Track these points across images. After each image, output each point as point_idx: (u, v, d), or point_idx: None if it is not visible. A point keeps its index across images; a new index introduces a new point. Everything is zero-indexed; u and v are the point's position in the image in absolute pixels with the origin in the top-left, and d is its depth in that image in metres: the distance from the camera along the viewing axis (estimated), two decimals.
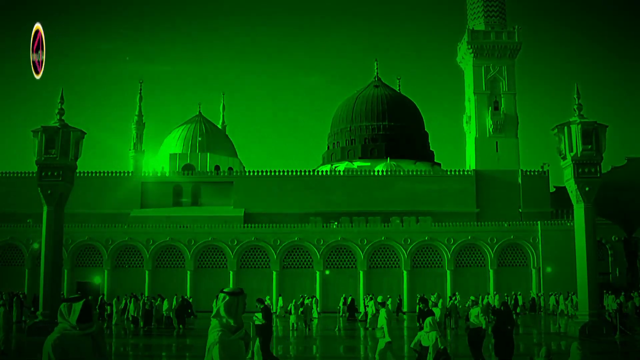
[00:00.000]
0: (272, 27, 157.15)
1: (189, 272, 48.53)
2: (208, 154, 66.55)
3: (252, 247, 49.50)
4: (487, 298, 40.80)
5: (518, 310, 42.76)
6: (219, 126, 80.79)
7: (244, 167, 67.44)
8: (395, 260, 49.65)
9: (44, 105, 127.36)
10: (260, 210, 54.68)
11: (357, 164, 68.22)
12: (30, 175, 47.65)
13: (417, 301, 20.38)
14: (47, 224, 26.87)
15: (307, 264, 49.43)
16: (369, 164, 66.57)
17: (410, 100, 75.83)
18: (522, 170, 58.65)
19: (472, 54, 60.25)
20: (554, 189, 58.32)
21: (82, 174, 49.86)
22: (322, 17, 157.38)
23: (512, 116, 59.54)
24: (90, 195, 53.13)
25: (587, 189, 26.43)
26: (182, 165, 65.42)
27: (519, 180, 58.16)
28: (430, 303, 27.80)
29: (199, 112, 73.12)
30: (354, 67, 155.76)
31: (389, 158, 65.16)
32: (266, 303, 24.11)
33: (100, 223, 49.57)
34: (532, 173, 58.80)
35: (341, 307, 41.73)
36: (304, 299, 33.81)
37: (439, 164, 71.71)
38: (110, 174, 57.66)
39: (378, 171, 59.95)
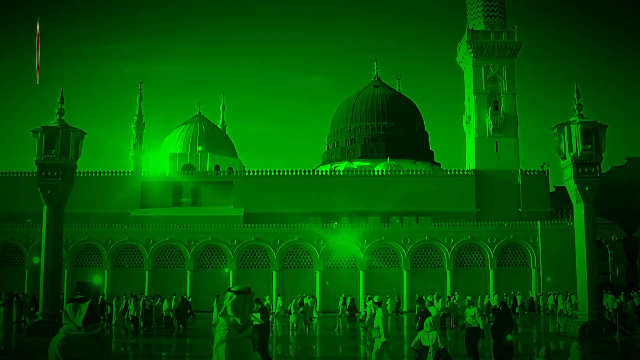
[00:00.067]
0: (272, 28, 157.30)
1: (188, 272, 48.54)
2: (208, 154, 66.57)
3: (252, 247, 49.52)
4: (487, 298, 40.82)
5: (517, 310, 42.76)
6: (219, 126, 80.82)
7: (244, 167, 67.44)
8: (395, 260, 49.66)
9: (44, 105, 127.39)
10: (260, 210, 54.66)
11: (357, 164, 68.24)
12: (30, 175, 47.65)
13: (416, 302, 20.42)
14: (47, 224, 26.88)
15: (307, 264, 49.45)
16: (368, 164, 66.59)
17: (410, 100, 75.86)
18: (522, 170, 58.64)
19: (472, 54, 60.26)
20: (554, 189, 58.33)
21: (82, 174, 49.86)
22: (322, 17, 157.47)
23: (511, 116, 59.54)
24: (90, 195, 53.10)
25: (587, 188, 26.44)
26: (182, 165, 65.44)
27: (519, 180, 58.16)
28: (426, 303, 27.84)
29: (199, 112, 73.16)
30: (354, 67, 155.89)
31: (388, 158, 65.17)
32: (265, 303, 24.16)
33: (100, 223, 49.54)
34: (531, 173, 58.80)
35: (340, 307, 41.73)
36: (303, 299, 33.83)
37: (439, 164, 71.74)
38: (110, 174, 57.65)
39: (378, 171, 59.96)
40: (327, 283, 47.37)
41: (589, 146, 26.58)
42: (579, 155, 26.52)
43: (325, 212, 52.73)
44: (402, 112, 72.56)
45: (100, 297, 37.71)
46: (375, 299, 17.43)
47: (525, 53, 79.38)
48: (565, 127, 26.93)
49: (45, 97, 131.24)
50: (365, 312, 34.09)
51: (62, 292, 37.68)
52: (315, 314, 36.65)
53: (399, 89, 78.75)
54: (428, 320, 13.49)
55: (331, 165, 70.03)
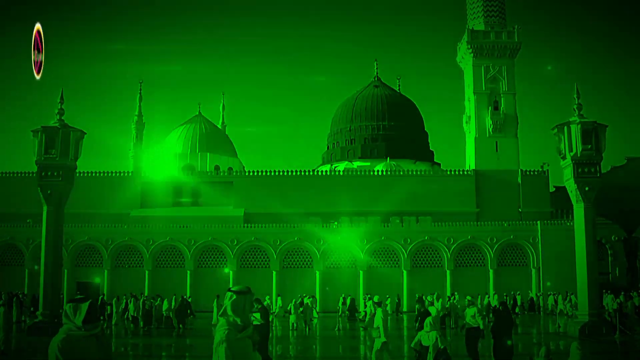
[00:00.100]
0: (272, 27, 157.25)
1: (188, 272, 48.54)
2: (208, 154, 66.58)
3: (252, 247, 49.52)
4: (487, 298, 40.80)
5: (517, 310, 42.75)
6: (219, 126, 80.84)
7: (244, 167, 67.46)
8: (395, 260, 49.65)
9: (44, 105, 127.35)
10: (260, 210, 54.65)
11: (357, 163, 68.25)
12: (30, 175, 47.61)
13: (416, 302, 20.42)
14: (47, 224, 26.88)
15: (307, 264, 49.44)
16: (368, 163, 66.60)
17: (410, 100, 75.87)
18: (521, 170, 58.64)
19: (472, 54, 60.26)
20: (554, 189, 58.32)
21: (82, 174, 49.83)
22: (322, 17, 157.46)
23: (511, 116, 59.53)
24: (90, 195, 53.08)
25: (587, 188, 26.45)
26: (182, 165, 65.45)
27: (519, 180, 58.17)
28: (426, 303, 27.83)
29: (199, 112, 73.17)
30: (354, 67, 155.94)
31: (388, 158, 65.17)
32: (265, 303, 24.14)
33: (100, 223, 49.53)
34: (531, 173, 58.80)
35: (340, 307, 41.71)
36: (302, 299, 33.81)
37: (439, 164, 71.76)
38: (110, 174, 57.67)
39: (378, 171, 59.96)
40: (327, 289, 46.88)
41: (589, 146, 26.59)
42: (579, 155, 26.53)
43: (325, 212, 52.71)
44: (402, 112, 72.56)
45: (100, 297, 37.71)
46: (375, 299, 17.44)
47: (525, 53, 79.40)
48: (565, 127, 26.94)
49: (45, 97, 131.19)
50: (365, 312, 34.09)
51: (62, 292, 37.70)
52: (315, 314, 36.65)
53: (399, 89, 78.76)
54: (428, 320, 13.48)
55: (331, 165, 70.04)
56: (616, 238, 52.76)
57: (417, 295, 36.31)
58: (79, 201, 45.47)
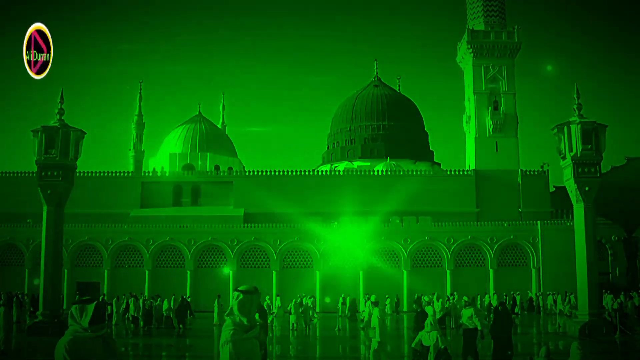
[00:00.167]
0: (272, 27, 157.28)
1: (188, 272, 48.53)
2: (208, 154, 66.57)
3: (252, 247, 49.51)
4: (488, 298, 40.77)
5: (516, 310, 42.71)
6: (219, 126, 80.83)
7: (244, 167, 67.45)
8: (395, 260, 49.64)
9: (44, 105, 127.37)
10: (260, 210, 54.66)
11: (357, 163, 68.24)
12: (30, 175, 47.60)
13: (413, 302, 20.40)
14: (47, 224, 26.87)
15: (307, 264, 49.44)
16: (368, 163, 66.59)
17: (410, 100, 75.89)
18: (521, 170, 58.66)
19: (472, 54, 60.26)
20: (554, 189, 58.32)
21: (82, 174, 49.82)
22: (322, 17, 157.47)
23: (511, 116, 59.55)
24: (90, 195, 53.10)
25: (587, 188, 26.44)
26: (182, 165, 65.45)
27: (519, 180, 58.18)
28: (423, 303, 27.83)
29: (199, 112, 73.16)
30: (354, 67, 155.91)
31: (388, 158, 65.17)
32: (265, 304, 24.14)
33: (100, 223, 49.53)
34: (531, 173, 58.82)
35: (340, 307, 41.65)
36: (302, 299, 33.76)
37: (439, 164, 71.77)
38: (110, 174, 57.67)
39: (378, 171, 59.96)
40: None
41: (589, 146, 26.58)
42: (579, 155, 26.52)
43: (325, 212, 52.71)
44: (402, 112, 72.58)
45: (100, 297, 37.71)
46: (372, 298, 17.38)
47: (525, 53, 79.36)
48: (565, 127, 26.93)
49: (46, 97, 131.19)
50: (365, 312, 34.03)
51: (62, 292, 37.70)
52: (314, 314, 36.58)
53: (399, 89, 78.77)
54: (429, 320, 13.49)
55: (331, 165, 70.04)
56: (616, 238, 52.76)
57: (416, 296, 36.34)
58: (79, 201, 45.47)
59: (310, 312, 32.69)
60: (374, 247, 49.09)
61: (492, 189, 57.56)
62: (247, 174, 59.60)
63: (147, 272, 48.52)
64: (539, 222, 49.85)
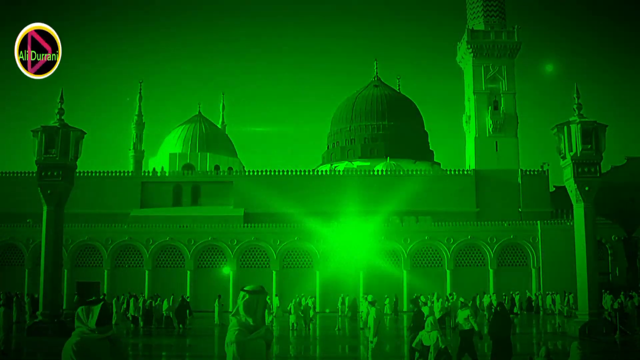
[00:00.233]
0: (272, 27, 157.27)
1: (188, 272, 48.52)
2: (208, 154, 66.57)
3: (252, 247, 49.51)
4: (489, 298, 40.73)
5: (515, 310, 42.69)
6: (219, 126, 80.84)
7: (243, 167, 67.45)
8: (395, 260, 49.63)
9: (44, 105, 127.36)
10: (260, 210, 54.66)
11: (356, 163, 68.22)
12: (30, 175, 47.62)
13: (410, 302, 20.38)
14: (47, 224, 26.86)
15: (307, 264, 49.43)
16: (368, 163, 66.58)
17: (410, 100, 75.88)
18: (521, 169, 58.65)
19: (472, 54, 60.26)
20: (554, 189, 58.32)
21: (82, 174, 49.85)
22: (322, 17, 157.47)
23: (511, 116, 59.54)
24: (90, 195, 53.13)
25: (586, 188, 26.44)
26: (182, 165, 65.45)
27: (519, 180, 58.18)
28: (420, 303, 27.80)
29: (199, 112, 73.16)
30: (354, 67, 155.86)
31: (388, 158, 65.16)
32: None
33: (100, 223, 49.54)
34: (531, 173, 58.81)
35: (339, 307, 41.67)
36: (301, 299, 33.75)
37: (439, 164, 71.77)
38: (110, 174, 57.68)
39: (378, 171, 59.96)
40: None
41: (589, 146, 26.59)
42: (579, 155, 26.52)
43: (325, 212, 52.69)
44: (402, 111, 72.56)
45: (102, 297, 37.68)
46: (369, 298, 17.38)
47: (525, 53, 79.39)
48: (565, 127, 26.93)
49: (46, 97, 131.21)
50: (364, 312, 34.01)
51: (62, 292, 37.68)
52: (314, 314, 36.57)
53: (398, 89, 78.77)
54: (429, 320, 13.49)
55: (331, 165, 70.03)
56: (616, 238, 52.78)
57: (414, 295, 36.28)
58: (79, 201, 45.52)
59: (311, 313, 32.72)
60: (373, 247, 49.05)
61: (492, 189, 57.56)
62: (247, 173, 59.60)
63: (147, 272, 48.52)
64: (539, 222, 49.84)
